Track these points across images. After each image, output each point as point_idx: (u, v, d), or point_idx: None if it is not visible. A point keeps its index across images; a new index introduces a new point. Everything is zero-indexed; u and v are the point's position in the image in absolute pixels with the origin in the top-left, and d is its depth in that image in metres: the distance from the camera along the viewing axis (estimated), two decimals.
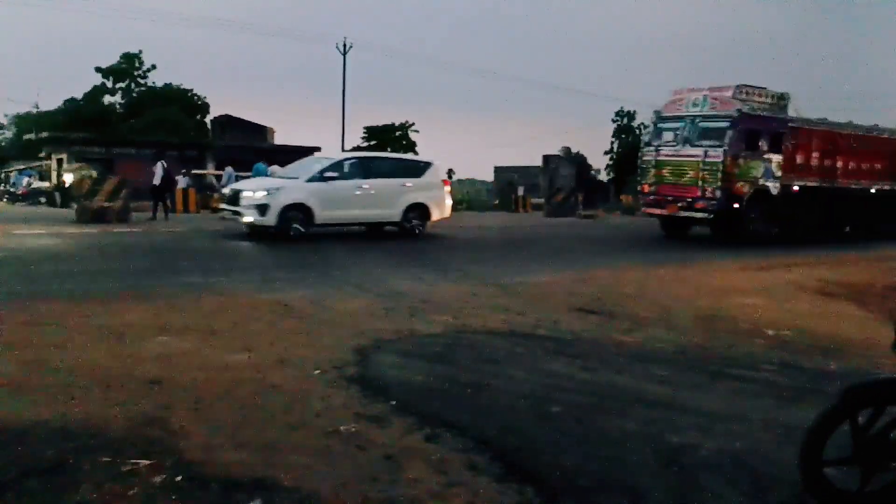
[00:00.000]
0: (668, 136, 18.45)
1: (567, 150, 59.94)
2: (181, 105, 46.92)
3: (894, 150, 21.38)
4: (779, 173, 18.01)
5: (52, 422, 4.21)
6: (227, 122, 46.48)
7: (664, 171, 18.34)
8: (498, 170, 63.63)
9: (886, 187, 21.18)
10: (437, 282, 10.26)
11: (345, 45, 46.47)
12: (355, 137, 62.18)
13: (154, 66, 48.18)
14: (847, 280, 11.41)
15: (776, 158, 17.96)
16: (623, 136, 59.50)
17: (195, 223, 19.71)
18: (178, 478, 3.54)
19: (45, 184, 33.71)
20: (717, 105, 17.74)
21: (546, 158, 46.54)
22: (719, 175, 17.12)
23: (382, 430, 4.34)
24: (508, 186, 43.83)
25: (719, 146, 17.14)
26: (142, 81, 48.07)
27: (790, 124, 18.42)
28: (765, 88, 18.47)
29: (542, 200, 34.32)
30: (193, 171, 30.48)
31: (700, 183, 17.46)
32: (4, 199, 25.81)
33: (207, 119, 49.70)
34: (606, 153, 60.26)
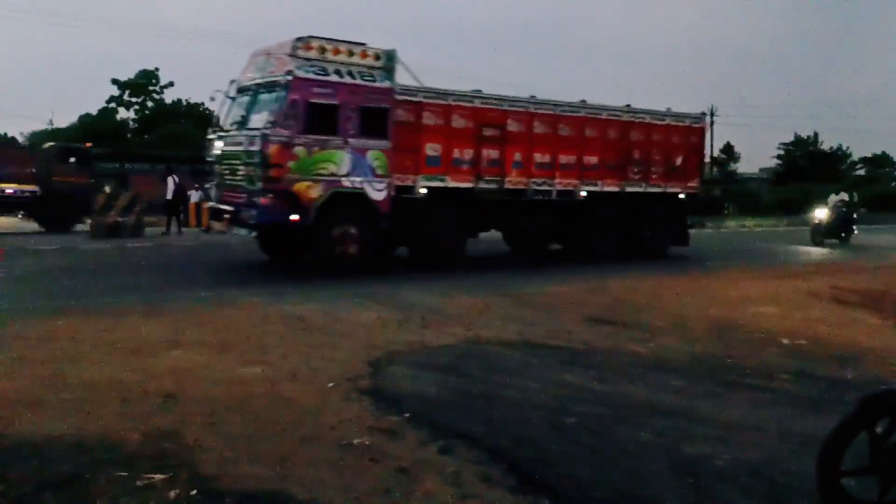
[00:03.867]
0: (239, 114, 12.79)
1: None
2: (194, 119, 47.28)
3: (622, 136, 15.66)
4: (385, 169, 12.41)
5: (68, 436, 4.23)
6: None
7: (223, 166, 12.80)
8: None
9: (611, 188, 15.50)
10: (449, 292, 10.26)
11: None
12: None
13: (172, 83, 48.55)
14: (862, 288, 11.31)
15: (378, 147, 12.33)
16: None
17: (207, 237, 19.79)
18: (193, 492, 3.54)
19: None
20: (275, 68, 12.21)
21: None
22: (261, 171, 11.48)
23: (396, 442, 4.34)
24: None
25: (261, 128, 11.58)
26: (157, 97, 48.45)
27: (400, 96, 12.68)
28: (362, 44, 12.46)
29: None
30: (206, 185, 30.61)
31: (246, 183, 11.89)
32: (20, 216, 26.01)
33: None
34: None
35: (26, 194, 20.76)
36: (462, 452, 4.18)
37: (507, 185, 13.99)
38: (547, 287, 11.10)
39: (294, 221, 11.65)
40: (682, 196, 16.82)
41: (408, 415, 4.82)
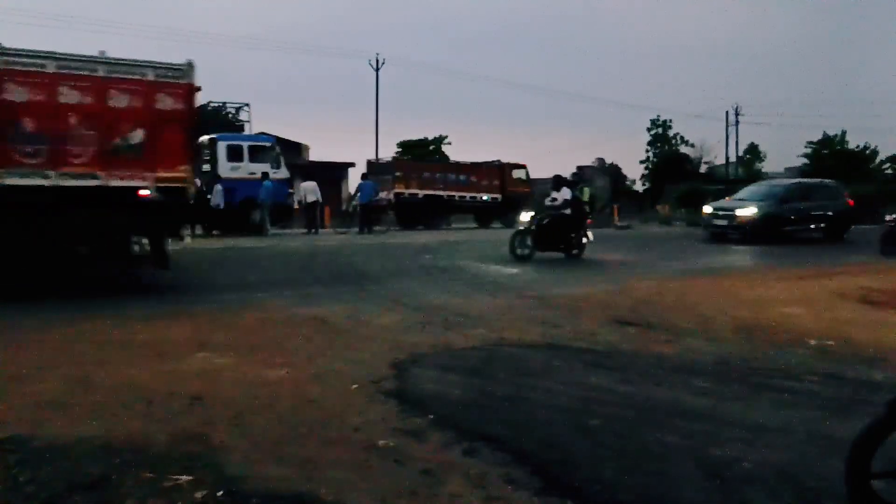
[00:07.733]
0: None
1: (601, 160, 59.79)
2: (216, 123, 47.66)
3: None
4: None
5: (96, 438, 4.28)
6: None
7: None
8: (532, 182, 63.60)
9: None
10: (472, 295, 10.25)
11: (377, 61, 47.01)
12: (390, 152, 62.74)
13: (199, 88, 48.90)
14: (891, 288, 11.13)
15: None
16: (658, 145, 59.12)
17: (228, 241, 19.98)
18: (220, 493, 3.57)
19: None
20: None
21: (580, 169, 46.57)
22: None
23: (420, 444, 4.34)
24: (543, 198, 43.76)
25: None
26: None
27: None
28: None
29: None
30: None
31: None
32: None
33: None
34: (642, 163, 59.89)
35: None
36: (487, 454, 4.17)
37: None
38: (570, 289, 11.05)
39: None
40: (145, 193, 10.38)
41: (432, 416, 4.82)
